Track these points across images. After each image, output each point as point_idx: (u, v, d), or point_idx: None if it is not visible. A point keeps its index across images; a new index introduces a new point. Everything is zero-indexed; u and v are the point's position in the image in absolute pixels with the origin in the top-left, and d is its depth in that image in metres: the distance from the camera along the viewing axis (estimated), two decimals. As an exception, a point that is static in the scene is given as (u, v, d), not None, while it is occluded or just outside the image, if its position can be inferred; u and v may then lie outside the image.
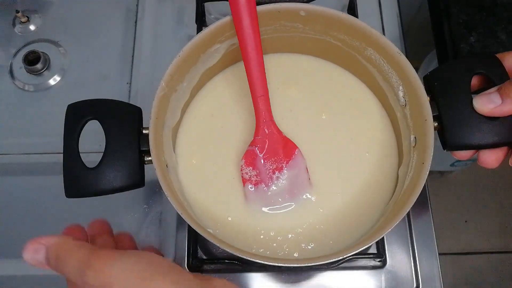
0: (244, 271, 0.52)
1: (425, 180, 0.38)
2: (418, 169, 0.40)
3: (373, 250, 0.51)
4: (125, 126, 0.40)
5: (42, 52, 0.61)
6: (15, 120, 0.60)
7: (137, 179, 0.39)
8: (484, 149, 0.39)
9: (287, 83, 0.50)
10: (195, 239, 0.51)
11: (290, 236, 0.44)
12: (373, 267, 0.51)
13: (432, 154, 0.38)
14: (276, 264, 0.36)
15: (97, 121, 0.39)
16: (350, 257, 0.43)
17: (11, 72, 0.61)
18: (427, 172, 0.38)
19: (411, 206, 0.37)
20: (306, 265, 0.36)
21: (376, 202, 0.45)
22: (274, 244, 0.44)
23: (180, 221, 0.54)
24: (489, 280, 1.24)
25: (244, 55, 0.42)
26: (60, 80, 0.61)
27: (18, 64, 0.61)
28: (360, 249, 0.36)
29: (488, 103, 0.37)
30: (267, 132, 0.44)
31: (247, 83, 0.43)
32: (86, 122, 0.39)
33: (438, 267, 0.52)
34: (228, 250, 0.36)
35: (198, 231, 0.36)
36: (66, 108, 0.40)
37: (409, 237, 0.53)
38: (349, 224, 0.44)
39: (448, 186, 1.30)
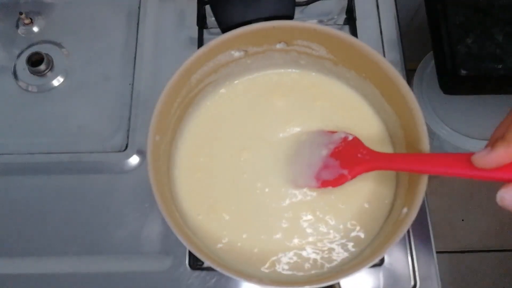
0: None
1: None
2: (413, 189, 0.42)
3: (372, 248, 0.52)
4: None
5: (45, 53, 0.61)
6: (19, 120, 0.60)
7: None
8: None
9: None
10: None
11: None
12: (371, 265, 0.52)
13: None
14: None
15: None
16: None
17: (14, 73, 0.62)
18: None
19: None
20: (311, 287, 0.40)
21: (375, 218, 0.48)
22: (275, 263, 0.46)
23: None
24: (486, 278, 1.25)
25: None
26: (63, 81, 0.61)
27: (22, 65, 0.62)
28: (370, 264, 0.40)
29: None
30: None
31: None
32: None
33: (435, 265, 0.52)
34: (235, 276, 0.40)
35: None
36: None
37: (406, 236, 0.53)
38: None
39: (445, 184, 1.30)
